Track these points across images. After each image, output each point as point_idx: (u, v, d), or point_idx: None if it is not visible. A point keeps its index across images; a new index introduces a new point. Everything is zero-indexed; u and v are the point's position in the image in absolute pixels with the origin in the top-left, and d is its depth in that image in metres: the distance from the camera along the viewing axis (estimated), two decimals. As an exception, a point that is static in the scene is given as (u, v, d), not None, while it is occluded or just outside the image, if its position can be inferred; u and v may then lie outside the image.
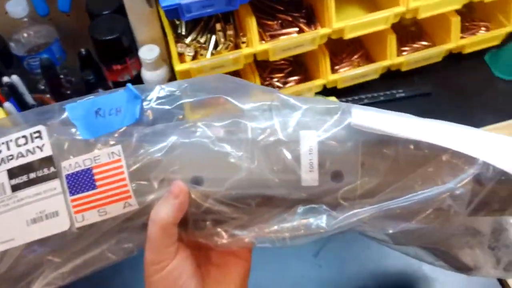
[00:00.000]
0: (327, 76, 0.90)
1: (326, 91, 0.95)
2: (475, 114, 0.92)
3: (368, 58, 0.99)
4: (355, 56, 1.00)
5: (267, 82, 0.95)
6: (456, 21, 0.92)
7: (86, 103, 0.46)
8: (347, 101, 0.95)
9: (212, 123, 0.45)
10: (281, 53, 0.81)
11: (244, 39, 0.78)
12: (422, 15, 0.85)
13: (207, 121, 0.45)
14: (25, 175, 0.43)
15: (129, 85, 0.46)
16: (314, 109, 0.45)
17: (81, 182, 0.43)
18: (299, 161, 0.43)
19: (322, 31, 0.81)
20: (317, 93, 0.94)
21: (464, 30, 0.99)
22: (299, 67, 0.97)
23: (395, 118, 0.44)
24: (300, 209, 0.45)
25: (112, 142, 0.44)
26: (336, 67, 0.97)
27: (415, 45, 1.01)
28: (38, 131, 0.44)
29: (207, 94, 0.46)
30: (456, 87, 0.98)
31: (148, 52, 0.82)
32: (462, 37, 0.98)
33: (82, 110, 0.45)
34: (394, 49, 0.92)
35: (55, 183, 0.43)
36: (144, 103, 0.45)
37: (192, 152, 0.44)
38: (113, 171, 0.43)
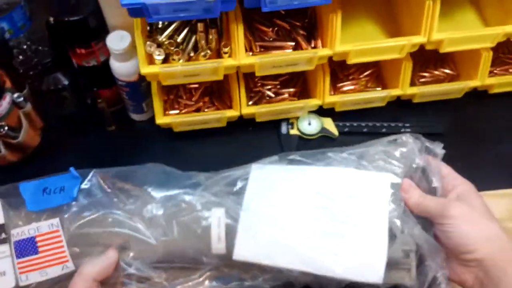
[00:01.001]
0: (324, 97, 0.77)
1: (322, 111, 0.82)
2: (488, 170, 0.79)
3: (379, 78, 0.86)
4: (365, 74, 0.86)
5: (257, 89, 0.82)
6: (487, 56, 0.77)
7: (37, 183, 0.58)
8: (343, 126, 0.82)
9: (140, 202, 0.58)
10: (270, 69, 0.68)
11: (226, 50, 0.65)
12: (446, 49, 0.71)
13: (134, 204, 0.58)
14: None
15: (72, 169, 0.59)
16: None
17: (26, 247, 0.54)
18: (209, 233, 0.55)
19: (321, 52, 0.68)
20: (312, 112, 0.82)
21: (497, 63, 0.85)
22: (297, 76, 0.84)
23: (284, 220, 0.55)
24: (210, 275, 0.57)
25: (52, 215, 0.56)
26: (339, 85, 0.84)
27: (436, 72, 0.86)
28: None
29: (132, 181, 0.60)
30: (474, 131, 0.84)
31: (117, 40, 0.69)
32: (492, 72, 0.83)
33: (32, 188, 0.58)
34: (408, 78, 0.78)
35: (5, 247, 0.55)
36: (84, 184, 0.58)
37: (117, 225, 0.55)
38: (53, 239, 0.54)
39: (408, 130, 0.83)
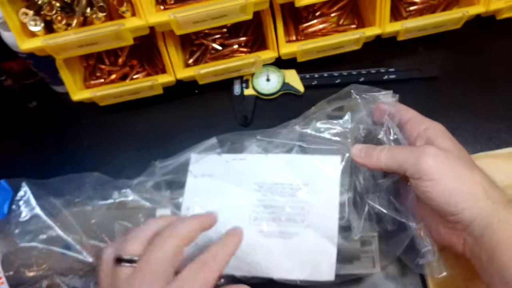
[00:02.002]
0: (279, 47, 0.60)
1: (284, 62, 0.65)
2: (496, 123, 0.62)
3: (354, 11, 0.68)
4: (335, 7, 0.68)
5: (198, 41, 0.66)
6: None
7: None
8: (311, 79, 0.66)
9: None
10: (192, 26, 0.52)
11: (122, 9, 0.48)
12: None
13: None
14: None
15: (3, 181, 0.55)
16: None
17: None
18: None
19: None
20: (270, 65, 0.65)
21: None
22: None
23: None
24: None
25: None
26: (304, 25, 0.66)
27: (428, -3, 0.67)
28: None
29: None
30: (478, 72, 0.66)
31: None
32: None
33: None
34: (386, 12, 0.60)
35: None
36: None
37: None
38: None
39: (393, 76, 0.66)
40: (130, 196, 0.53)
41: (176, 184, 0.55)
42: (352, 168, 0.51)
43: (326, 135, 0.52)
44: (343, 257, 0.49)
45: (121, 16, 0.51)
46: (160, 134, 0.66)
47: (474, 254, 0.42)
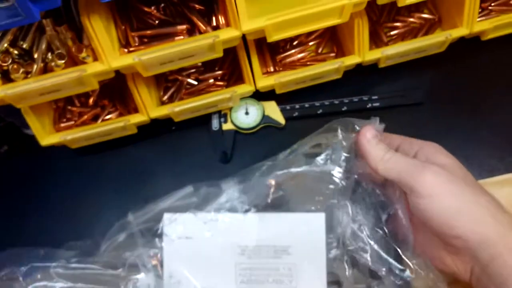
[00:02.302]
0: (255, 81, 0.58)
1: (263, 94, 0.62)
2: (484, 149, 0.60)
3: (334, 39, 0.65)
4: (313, 36, 0.65)
5: (172, 77, 0.63)
6: (473, -4, 0.55)
7: None
8: (291, 110, 0.63)
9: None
10: (158, 67, 0.49)
11: (82, 55, 0.45)
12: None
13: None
14: None
15: None
16: None
17: None
18: None
19: (224, 33, 0.48)
20: (249, 97, 0.63)
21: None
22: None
23: None
24: None
25: None
26: (281, 56, 0.64)
27: (411, 19, 0.65)
28: None
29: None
30: (464, 96, 0.64)
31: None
32: (485, 9, 0.62)
33: None
34: (365, 40, 0.58)
35: None
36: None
37: None
38: None
39: (377, 104, 0.63)
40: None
41: (153, 234, 0.52)
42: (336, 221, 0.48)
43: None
44: None
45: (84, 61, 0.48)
46: (138, 174, 0.63)
47: (481, 284, 0.38)
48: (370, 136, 0.45)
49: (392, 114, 0.62)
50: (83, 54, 0.45)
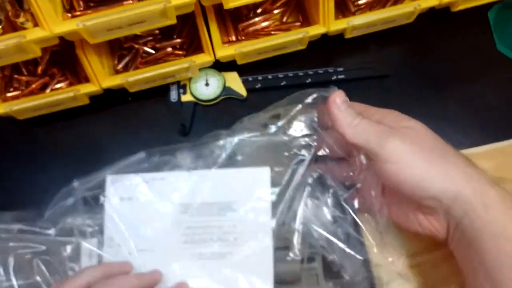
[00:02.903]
0: (214, 50, 0.55)
1: (225, 64, 0.59)
2: (454, 121, 0.58)
3: (300, 8, 0.62)
4: (278, 4, 0.62)
5: (127, 44, 0.59)
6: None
7: None
8: (254, 82, 0.61)
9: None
10: (105, 33, 0.46)
11: (20, 20, 0.42)
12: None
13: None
14: None
15: None
16: None
17: None
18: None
19: None
20: (210, 67, 0.59)
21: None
22: (185, 18, 0.60)
23: None
24: None
25: None
26: (244, 24, 0.61)
27: (378, -11, 0.62)
28: None
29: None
30: (432, 69, 0.62)
31: None
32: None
33: None
34: (330, 10, 0.55)
35: None
36: None
37: None
38: None
39: (342, 76, 0.61)
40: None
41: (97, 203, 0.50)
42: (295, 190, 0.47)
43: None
44: (281, 279, 0.45)
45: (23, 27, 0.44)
46: (91, 147, 0.60)
47: (455, 241, 0.38)
48: (340, 101, 0.43)
49: (358, 86, 0.60)
50: (21, 19, 0.42)
